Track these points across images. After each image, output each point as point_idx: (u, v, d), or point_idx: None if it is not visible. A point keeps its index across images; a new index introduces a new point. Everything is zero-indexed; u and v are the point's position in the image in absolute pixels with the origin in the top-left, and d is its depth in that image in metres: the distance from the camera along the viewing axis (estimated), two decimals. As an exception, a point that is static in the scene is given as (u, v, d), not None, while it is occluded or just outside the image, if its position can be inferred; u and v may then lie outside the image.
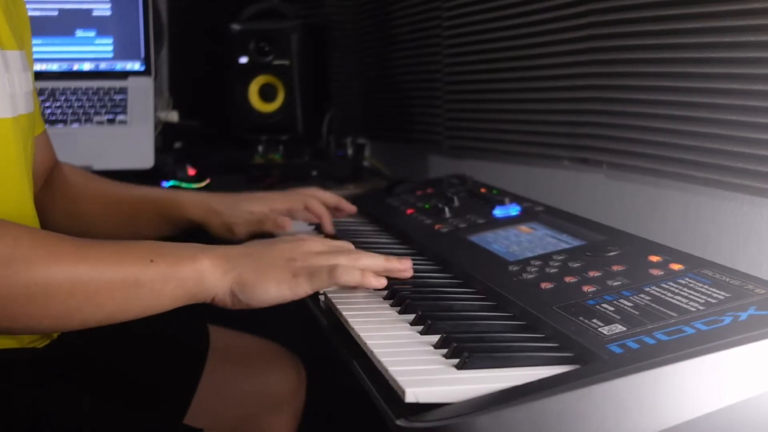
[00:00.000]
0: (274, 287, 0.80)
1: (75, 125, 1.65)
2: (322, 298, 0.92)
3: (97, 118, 1.66)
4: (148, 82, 1.75)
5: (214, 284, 0.79)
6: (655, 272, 0.81)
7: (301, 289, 0.82)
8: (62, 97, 1.69)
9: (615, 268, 0.84)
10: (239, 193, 1.17)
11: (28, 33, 1.03)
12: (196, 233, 1.14)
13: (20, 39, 0.96)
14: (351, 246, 0.90)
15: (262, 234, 1.14)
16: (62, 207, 1.14)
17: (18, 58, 0.94)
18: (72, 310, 0.73)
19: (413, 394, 0.62)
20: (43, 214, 1.02)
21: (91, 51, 1.76)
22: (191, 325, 1.17)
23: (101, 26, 1.75)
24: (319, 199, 1.18)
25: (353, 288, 0.88)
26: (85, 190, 1.16)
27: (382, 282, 0.86)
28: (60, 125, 1.63)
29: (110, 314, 0.76)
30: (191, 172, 1.62)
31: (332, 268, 0.82)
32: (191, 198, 1.15)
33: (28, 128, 0.98)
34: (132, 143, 1.65)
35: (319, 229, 1.21)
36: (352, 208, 1.26)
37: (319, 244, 0.87)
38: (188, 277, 0.77)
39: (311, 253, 0.84)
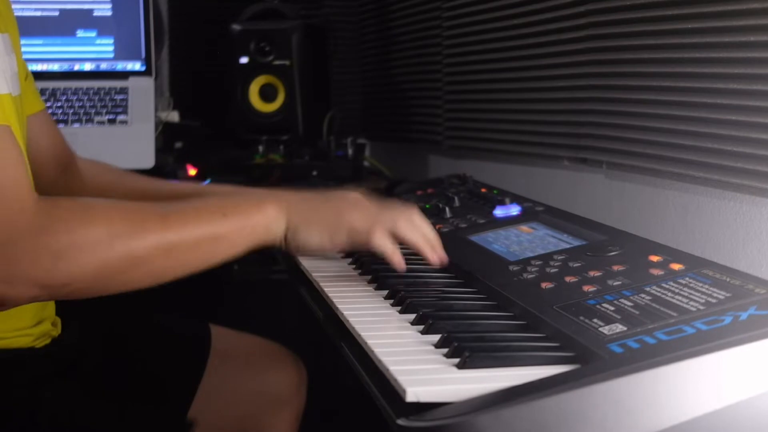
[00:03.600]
0: (317, 235, 0.88)
1: (76, 125, 1.65)
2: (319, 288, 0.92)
3: (97, 118, 1.66)
4: (148, 82, 1.75)
5: (278, 227, 0.87)
6: (656, 272, 0.81)
7: (340, 241, 0.89)
8: (63, 97, 1.69)
9: (615, 267, 0.84)
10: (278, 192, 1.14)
11: (11, 17, 1.02)
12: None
13: (2, 23, 0.96)
14: (406, 212, 0.93)
15: None
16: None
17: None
18: (166, 269, 0.81)
19: (414, 393, 0.62)
20: None
21: (92, 51, 1.76)
22: (192, 325, 1.18)
23: (102, 26, 1.75)
24: None
25: (354, 287, 0.91)
26: (107, 181, 1.15)
27: (402, 266, 0.92)
28: (61, 125, 1.63)
29: (195, 267, 0.83)
30: (192, 172, 1.62)
31: (371, 233, 0.89)
32: (227, 194, 1.12)
33: (19, 110, 0.98)
34: (133, 143, 1.65)
35: None
36: None
37: (371, 203, 0.93)
38: (257, 224, 0.85)
39: (359, 211, 0.90)
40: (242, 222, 0.84)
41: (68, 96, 1.69)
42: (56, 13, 1.74)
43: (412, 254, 1.06)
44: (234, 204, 0.86)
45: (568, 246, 0.96)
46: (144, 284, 0.82)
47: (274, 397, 1.19)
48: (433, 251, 0.94)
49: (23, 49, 1.04)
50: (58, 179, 1.11)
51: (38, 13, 1.72)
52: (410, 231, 0.92)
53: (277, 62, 1.77)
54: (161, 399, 1.04)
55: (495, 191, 1.27)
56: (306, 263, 1.03)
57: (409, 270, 0.99)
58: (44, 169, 1.06)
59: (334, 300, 0.88)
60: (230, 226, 0.83)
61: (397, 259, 0.91)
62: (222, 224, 0.83)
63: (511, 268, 0.91)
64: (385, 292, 0.90)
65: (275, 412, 1.19)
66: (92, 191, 1.12)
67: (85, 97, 1.69)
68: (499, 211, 1.14)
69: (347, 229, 0.89)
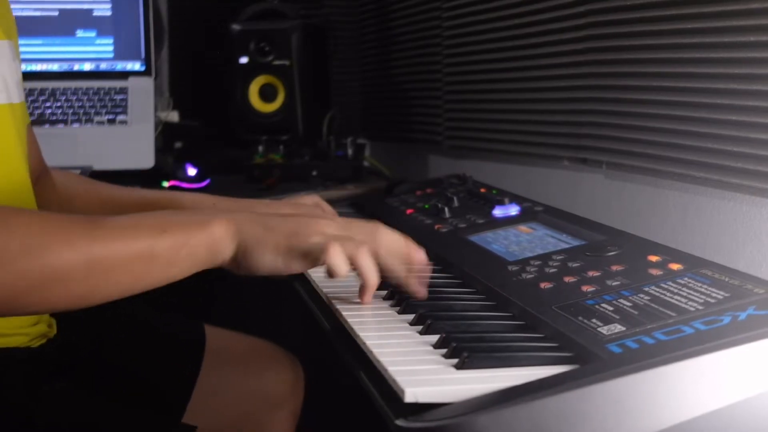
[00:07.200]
0: (270, 258, 0.79)
1: (75, 125, 1.65)
2: (324, 297, 0.92)
3: (97, 118, 1.66)
4: (148, 82, 1.75)
5: (224, 249, 0.78)
6: (655, 272, 0.81)
7: (295, 265, 0.80)
8: (63, 97, 1.69)
9: (614, 267, 0.84)
10: (243, 200, 1.11)
11: (14, 23, 1.02)
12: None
13: (7, 29, 0.96)
14: (365, 230, 0.85)
15: None
16: (57, 208, 1.13)
17: (6, 47, 0.93)
18: (91, 289, 0.74)
19: (413, 394, 0.62)
20: None
21: (92, 51, 1.76)
22: (187, 325, 1.17)
23: (102, 26, 1.75)
24: (324, 211, 1.13)
25: (352, 287, 0.89)
26: (77, 190, 1.14)
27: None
28: (60, 125, 1.64)
29: (127, 288, 0.76)
30: (191, 172, 1.62)
31: (324, 250, 0.79)
32: (194, 200, 1.10)
33: (21, 117, 0.98)
34: (132, 143, 1.65)
35: None
36: None
37: (328, 223, 0.84)
38: (200, 243, 0.77)
39: (314, 231, 0.81)
40: (182, 240, 0.76)
41: (68, 96, 1.69)
42: (56, 13, 1.74)
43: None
44: (177, 221, 0.77)
45: (567, 246, 0.96)
46: (67, 304, 0.76)
47: (271, 397, 1.19)
48: (421, 284, 0.85)
49: (22, 49, 1.04)
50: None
51: (38, 13, 1.72)
52: (391, 259, 0.82)
53: (276, 62, 1.77)
54: (157, 399, 1.04)
55: (494, 191, 1.27)
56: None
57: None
58: None
59: (332, 300, 0.88)
60: (167, 243, 0.75)
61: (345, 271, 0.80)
62: (159, 241, 0.75)
63: (510, 268, 0.91)
64: (384, 292, 0.90)
65: (272, 412, 1.19)
66: (64, 200, 1.12)
67: (85, 97, 1.69)
68: (498, 211, 1.14)
69: (301, 252, 0.80)
